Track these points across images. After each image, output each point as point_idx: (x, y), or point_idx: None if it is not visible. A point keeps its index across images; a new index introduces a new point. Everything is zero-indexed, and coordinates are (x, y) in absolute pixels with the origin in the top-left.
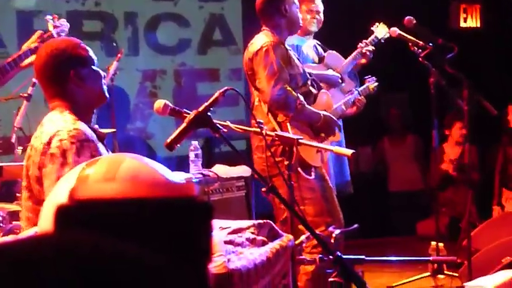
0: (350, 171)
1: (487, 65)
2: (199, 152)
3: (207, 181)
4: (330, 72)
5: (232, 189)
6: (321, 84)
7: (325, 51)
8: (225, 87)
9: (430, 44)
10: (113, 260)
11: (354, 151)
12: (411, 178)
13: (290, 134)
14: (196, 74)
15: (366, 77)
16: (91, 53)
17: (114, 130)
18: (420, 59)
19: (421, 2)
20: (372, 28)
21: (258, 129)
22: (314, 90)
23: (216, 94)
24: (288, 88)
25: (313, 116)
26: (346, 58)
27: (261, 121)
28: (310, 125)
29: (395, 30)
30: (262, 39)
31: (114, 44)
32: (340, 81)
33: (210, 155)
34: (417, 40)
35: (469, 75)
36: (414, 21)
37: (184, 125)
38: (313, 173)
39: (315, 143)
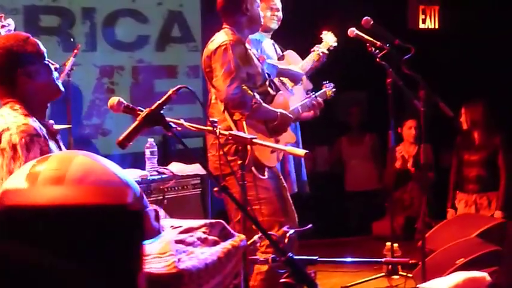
0: (307, 170)
1: (446, 66)
2: (155, 149)
3: (162, 179)
4: (296, 69)
5: (188, 187)
6: (284, 79)
7: (282, 51)
8: (178, 86)
9: (387, 45)
10: (23, 269)
11: (307, 151)
12: (368, 178)
13: (245, 133)
14: (154, 70)
15: (324, 82)
16: (40, 47)
17: (69, 126)
18: (377, 59)
19: (380, 3)
20: (320, 36)
21: (212, 128)
22: (272, 91)
23: (169, 92)
24: (244, 87)
25: (269, 114)
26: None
27: (215, 120)
28: (266, 125)
29: (353, 30)
30: (221, 37)
31: (72, 40)
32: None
33: (166, 153)
34: (374, 40)
35: (427, 76)
36: (371, 22)
37: (136, 123)
38: (266, 173)
39: (269, 143)
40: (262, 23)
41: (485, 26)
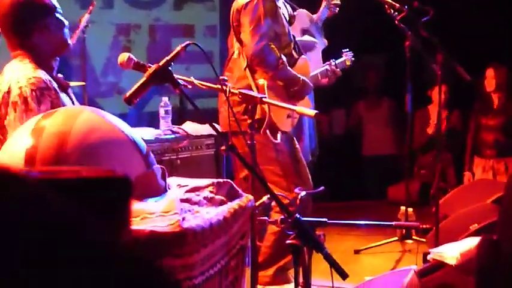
0: (323, 133)
1: (467, 29)
2: (169, 108)
3: (176, 138)
4: (307, 38)
5: (202, 147)
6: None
7: (294, 10)
8: (187, 42)
9: (406, 7)
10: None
11: (317, 111)
12: (385, 142)
13: (265, 94)
14: (171, 29)
15: (344, 50)
16: (54, 1)
17: (83, 83)
18: (396, 21)
19: None
20: None
21: (221, 86)
22: (295, 54)
23: (178, 48)
24: (272, 46)
25: (293, 78)
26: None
27: (225, 78)
28: (286, 89)
29: None
30: None
31: None
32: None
33: (183, 112)
34: (393, 2)
35: (448, 40)
36: None
37: (143, 79)
38: (279, 136)
39: (278, 102)
40: None
41: None
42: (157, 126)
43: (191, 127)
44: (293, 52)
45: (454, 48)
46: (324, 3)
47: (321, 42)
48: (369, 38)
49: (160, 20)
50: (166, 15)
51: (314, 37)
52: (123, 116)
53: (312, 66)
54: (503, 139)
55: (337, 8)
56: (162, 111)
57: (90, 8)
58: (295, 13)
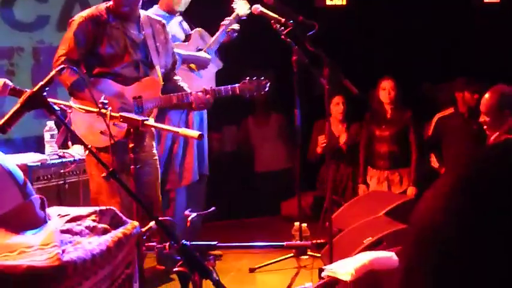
0: (214, 151)
1: (354, 43)
2: (55, 132)
3: (62, 163)
4: (202, 54)
5: None
6: (191, 65)
7: (191, 29)
8: (61, 66)
9: (291, 22)
10: None
11: (200, 133)
12: (277, 157)
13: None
14: (55, 51)
15: None
16: None
17: None
18: (282, 36)
19: None
20: (232, 5)
21: (103, 110)
22: (137, 73)
23: (52, 72)
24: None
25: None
26: (211, 35)
27: (105, 101)
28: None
29: (258, 8)
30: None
31: None
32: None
33: (67, 136)
34: (279, 17)
35: (336, 54)
36: None
37: (16, 106)
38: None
39: (159, 125)
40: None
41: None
42: (43, 151)
43: (79, 150)
44: (135, 71)
45: (344, 61)
46: (222, 27)
47: (216, 64)
48: (256, 52)
49: (44, 42)
50: (50, 36)
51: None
52: (9, 142)
53: (204, 83)
54: (396, 150)
55: (236, 33)
56: (47, 136)
57: None
58: (191, 32)
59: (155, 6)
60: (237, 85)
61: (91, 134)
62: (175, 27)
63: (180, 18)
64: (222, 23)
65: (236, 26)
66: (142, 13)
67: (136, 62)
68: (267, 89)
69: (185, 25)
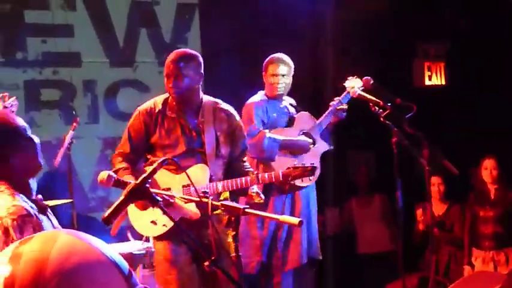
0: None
1: (455, 122)
2: None
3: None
4: (302, 138)
5: None
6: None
7: (297, 111)
8: (163, 158)
9: (389, 104)
10: None
11: (301, 220)
12: (381, 239)
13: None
14: None
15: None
16: (20, 122)
17: (71, 200)
18: (381, 119)
19: (385, 62)
20: (344, 84)
21: (204, 200)
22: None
23: (154, 165)
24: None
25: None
26: (317, 118)
27: (207, 190)
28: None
29: (356, 91)
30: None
31: (73, 112)
32: (312, 144)
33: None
34: (377, 100)
35: (435, 134)
36: (371, 81)
37: (121, 198)
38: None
39: (259, 212)
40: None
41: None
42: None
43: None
44: (189, 160)
45: (444, 141)
46: (330, 108)
47: (322, 145)
48: (356, 135)
49: None
50: None
51: (314, 139)
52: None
53: (310, 158)
54: (501, 230)
55: (344, 113)
56: None
57: (74, 124)
58: (296, 115)
59: (261, 92)
60: (280, 171)
61: (143, 224)
62: (276, 111)
63: (284, 102)
64: (331, 103)
65: (345, 106)
66: (208, 99)
67: (191, 151)
68: (314, 175)
69: (292, 109)
